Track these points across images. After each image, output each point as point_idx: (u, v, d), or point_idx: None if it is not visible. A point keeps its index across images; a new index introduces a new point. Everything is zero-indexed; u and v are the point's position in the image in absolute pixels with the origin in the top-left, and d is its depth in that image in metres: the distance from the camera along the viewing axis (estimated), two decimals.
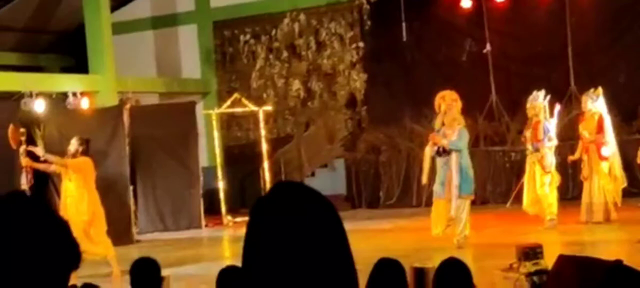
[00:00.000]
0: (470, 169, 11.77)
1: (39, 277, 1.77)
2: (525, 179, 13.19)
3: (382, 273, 4.51)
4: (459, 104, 11.97)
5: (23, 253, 1.76)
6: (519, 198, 13.76)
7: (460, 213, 11.55)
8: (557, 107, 13.17)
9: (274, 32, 18.80)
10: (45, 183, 15.39)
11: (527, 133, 12.98)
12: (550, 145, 12.66)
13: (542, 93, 12.97)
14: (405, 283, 4.69)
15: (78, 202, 11.28)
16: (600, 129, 12.78)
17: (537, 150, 12.73)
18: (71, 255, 1.83)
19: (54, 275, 1.80)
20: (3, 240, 1.77)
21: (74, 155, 11.36)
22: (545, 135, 12.65)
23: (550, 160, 12.70)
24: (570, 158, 13.32)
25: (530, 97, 13.02)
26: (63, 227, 1.86)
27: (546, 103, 12.92)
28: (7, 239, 1.77)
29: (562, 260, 6.49)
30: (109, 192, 15.04)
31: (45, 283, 1.78)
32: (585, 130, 12.92)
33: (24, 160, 11.79)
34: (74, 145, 11.40)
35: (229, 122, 20.26)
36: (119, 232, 14.86)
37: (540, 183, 12.75)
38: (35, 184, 15.33)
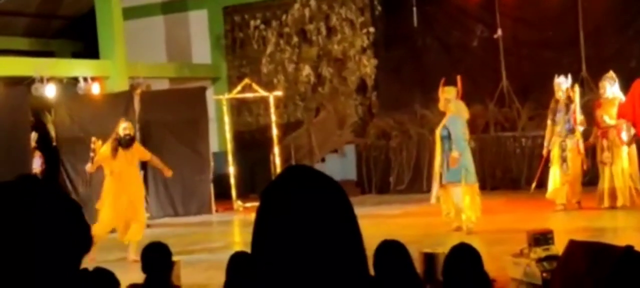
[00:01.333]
0: (462, 157, 11.56)
1: (50, 260, 1.78)
2: (553, 164, 13.11)
3: (386, 256, 4.51)
4: (450, 97, 11.82)
5: (34, 235, 1.77)
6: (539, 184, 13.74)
7: (460, 200, 11.53)
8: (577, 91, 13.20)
9: (284, 17, 18.76)
10: (57, 167, 15.47)
11: (558, 117, 12.97)
12: (582, 128, 12.97)
13: (568, 77, 13.13)
14: (410, 264, 4.69)
15: (137, 183, 11.74)
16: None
17: (572, 132, 12.81)
18: (83, 238, 1.84)
19: (65, 258, 1.80)
20: (14, 222, 1.77)
21: (132, 139, 11.64)
22: (574, 121, 12.92)
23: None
24: (586, 143, 13.17)
25: (559, 80, 13.06)
26: (75, 210, 1.87)
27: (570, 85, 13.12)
28: (18, 222, 1.77)
29: (573, 245, 6.47)
30: None
31: (57, 266, 1.79)
32: (605, 115, 12.82)
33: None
34: (131, 129, 11.72)
35: (239, 108, 20.25)
36: None
37: (574, 165, 12.86)
38: (48, 168, 15.45)
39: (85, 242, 1.83)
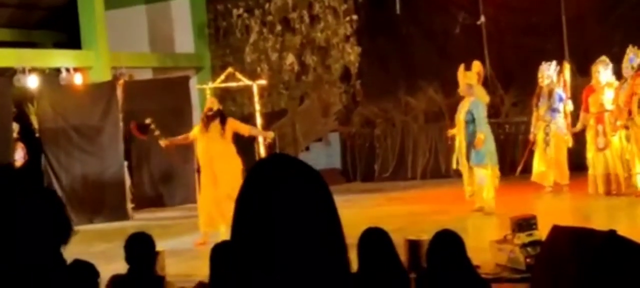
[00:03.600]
0: (486, 140, 11.74)
1: (27, 249, 1.76)
2: (538, 148, 13.29)
3: (370, 243, 4.51)
4: (472, 82, 11.95)
5: (11, 226, 1.75)
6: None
7: (484, 182, 11.72)
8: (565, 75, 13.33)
9: (267, 5, 18.71)
10: (39, 158, 15.39)
11: (541, 102, 13.15)
12: (571, 108, 13.24)
13: (553, 63, 13.35)
14: (394, 251, 4.69)
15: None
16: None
17: (556, 113, 13.14)
18: (60, 229, 1.83)
19: (42, 247, 1.79)
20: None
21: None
22: (561, 102, 13.18)
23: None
24: (573, 130, 13.24)
25: (543, 67, 13.30)
26: (54, 201, 1.85)
27: (555, 72, 13.30)
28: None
29: (556, 230, 6.50)
30: (104, 168, 15.06)
31: (34, 255, 1.77)
32: (602, 99, 12.72)
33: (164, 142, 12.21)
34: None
35: (223, 97, 20.15)
36: (114, 208, 14.91)
37: (557, 149, 13.07)
38: (30, 159, 15.37)
39: (63, 232, 1.82)
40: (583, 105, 12.98)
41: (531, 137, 13.54)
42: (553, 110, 13.18)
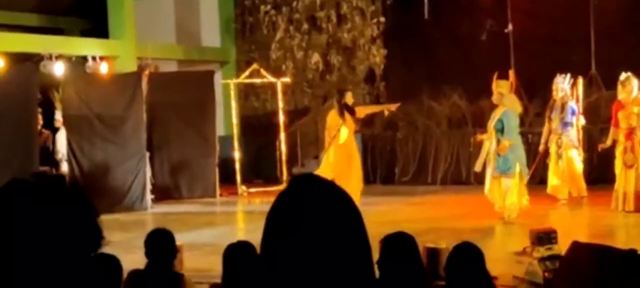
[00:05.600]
0: (516, 149, 11.78)
1: (58, 255, 1.78)
2: (551, 161, 13.25)
3: (395, 248, 4.47)
4: (504, 91, 11.98)
5: (45, 234, 1.77)
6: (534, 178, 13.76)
7: (508, 191, 11.72)
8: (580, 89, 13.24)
9: (295, 3, 18.74)
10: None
11: (554, 115, 13.09)
12: (583, 123, 13.17)
13: (568, 76, 13.20)
14: (419, 258, 4.65)
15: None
16: None
17: (568, 126, 13.04)
18: (91, 238, 1.84)
19: (73, 255, 1.81)
20: (25, 222, 1.78)
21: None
22: (573, 115, 13.04)
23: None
24: (602, 146, 13.06)
25: (557, 80, 13.18)
26: (89, 211, 1.87)
27: (569, 85, 13.18)
28: (30, 221, 1.78)
29: (576, 246, 6.47)
30: (126, 157, 15.13)
31: (64, 262, 1.79)
32: (634, 115, 12.53)
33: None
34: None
35: (246, 92, 20.25)
36: (134, 199, 14.98)
37: (570, 162, 13.00)
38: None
39: (93, 241, 1.84)
40: (613, 120, 12.82)
41: (541, 148, 13.49)
42: (565, 123, 13.09)
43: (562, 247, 7.24)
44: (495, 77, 12.17)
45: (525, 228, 8.57)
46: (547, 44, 17.38)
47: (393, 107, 13.50)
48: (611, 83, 13.70)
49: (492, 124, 11.96)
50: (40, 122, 15.31)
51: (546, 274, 7.28)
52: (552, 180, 13.28)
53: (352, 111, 12.82)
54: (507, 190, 11.73)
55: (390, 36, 18.49)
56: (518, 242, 8.90)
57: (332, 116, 13.06)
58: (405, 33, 18.54)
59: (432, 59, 18.19)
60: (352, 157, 13.12)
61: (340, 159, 12.86)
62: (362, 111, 13.55)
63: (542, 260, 7.46)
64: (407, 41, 18.55)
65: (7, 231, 1.78)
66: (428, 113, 17.83)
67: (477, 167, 12.39)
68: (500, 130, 11.75)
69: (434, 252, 7.44)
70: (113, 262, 4.54)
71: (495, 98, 12.02)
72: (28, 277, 1.76)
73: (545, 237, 7.67)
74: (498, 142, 11.73)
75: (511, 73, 12.24)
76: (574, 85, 13.28)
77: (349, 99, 12.90)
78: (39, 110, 15.12)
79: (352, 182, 12.45)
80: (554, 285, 6.74)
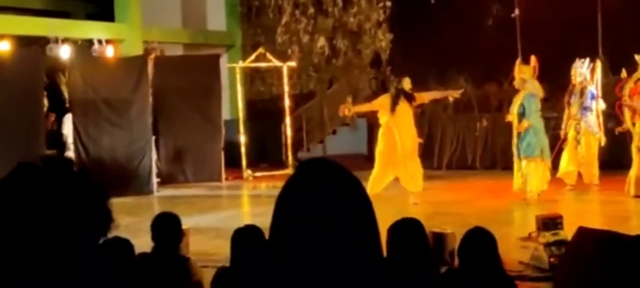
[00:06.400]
0: (538, 133, 11.92)
1: (68, 241, 1.78)
2: (568, 146, 13.21)
3: (403, 234, 4.47)
4: (526, 76, 12.11)
5: (55, 218, 1.77)
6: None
7: (530, 173, 11.86)
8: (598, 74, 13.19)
9: None
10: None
11: (573, 99, 13.05)
12: (603, 107, 13.13)
13: (587, 61, 13.19)
14: (427, 244, 4.66)
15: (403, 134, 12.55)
16: None
17: (588, 111, 13.02)
18: (103, 221, 1.85)
19: (82, 239, 1.81)
20: (38, 205, 1.78)
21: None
22: (593, 100, 13.05)
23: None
24: (619, 129, 12.96)
25: (576, 64, 13.17)
26: (101, 194, 1.87)
27: (588, 70, 13.18)
28: (41, 204, 1.78)
29: (582, 232, 6.46)
30: (131, 141, 15.14)
31: (73, 247, 1.80)
32: None
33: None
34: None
35: (252, 76, 20.23)
36: (140, 182, 14.99)
37: (588, 147, 13.01)
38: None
39: (103, 224, 1.84)
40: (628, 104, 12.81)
41: (562, 133, 13.43)
42: (585, 108, 13.05)
43: (568, 232, 7.23)
44: (518, 62, 12.29)
45: (531, 214, 8.55)
46: (553, 28, 17.33)
47: (456, 93, 13.38)
48: (618, 68, 13.63)
49: (514, 108, 12.04)
50: (46, 104, 15.32)
51: (552, 260, 7.28)
52: (568, 165, 13.19)
53: (410, 97, 12.58)
54: (528, 174, 11.86)
55: (396, 20, 18.44)
56: (523, 228, 8.89)
57: (382, 100, 12.86)
58: (411, 17, 18.49)
59: (438, 43, 18.15)
60: (399, 142, 12.57)
61: (387, 146, 12.64)
62: (426, 97, 13.41)
63: (547, 245, 7.45)
64: (413, 25, 18.51)
65: (17, 216, 1.78)
66: None
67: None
68: (522, 114, 11.93)
69: (439, 237, 7.44)
70: (125, 246, 4.57)
71: (517, 83, 12.18)
72: (39, 260, 1.76)
73: (551, 223, 7.66)
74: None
75: (533, 58, 12.24)
76: (592, 69, 13.23)
77: (406, 84, 12.70)
78: (45, 93, 15.13)
79: (407, 168, 12.51)
80: (559, 270, 6.74)
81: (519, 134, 12.02)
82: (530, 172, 11.87)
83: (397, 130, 12.38)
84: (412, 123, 12.63)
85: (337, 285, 1.71)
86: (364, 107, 13.74)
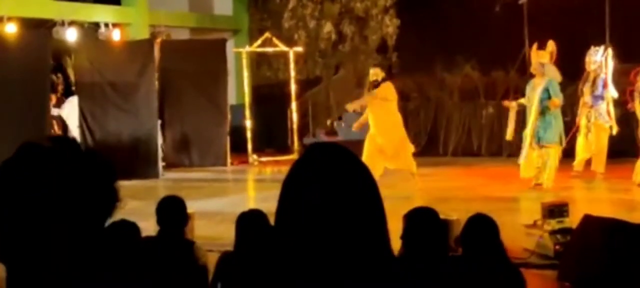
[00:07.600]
0: (557, 118, 11.87)
1: (75, 220, 1.79)
2: (580, 134, 13.14)
3: (421, 223, 4.48)
4: (544, 61, 12.02)
5: (65, 196, 1.78)
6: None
7: (549, 160, 11.83)
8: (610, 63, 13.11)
9: None
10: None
11: (586, 88, 12.97)
12: (615, 95, 12.99)
13: (601, 48, 13.09)
14: (442, 231, 4.68)
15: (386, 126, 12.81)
16: None
17: (600, 99, 12.90)
18: (109, 201, 1.85)
19: (89, 218, 1.81)
20: (45, 183, 1.78)
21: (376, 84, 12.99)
22: (604, 89, 12.94)
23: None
24: (630, 106, 12.92)
25: (590, 52, 13.06)
26: (108, 174, 1.87)
27: (603, 58, 13.07)
28: (47, 183, 1.78)
29: (587, 219, 6.46)
30: (137, 125, 15.15)
31: (80, 225, 1.80)
32: None
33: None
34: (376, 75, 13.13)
35: (258, 61, 20.21)
36: (146, 166, 15.00)
37: (598, 136, 12.92)
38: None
39: (110, 203, 1.84)
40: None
41: (577, 120, 13.36)
42: (596, 96, 12.91)
43: (573, 220, 7.22)
44: (535, 47, 12.18)
45: (536, 201, 8.54)
46: (561, 15, 17.24)
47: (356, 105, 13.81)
48: (625, 56, 13.59)
49: (534, 94, 11.89)
50: (61, 87, 15.33)
51: (557, 247, 7.26)
52: (583, 154, 13.17)
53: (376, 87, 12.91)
54: (547, 160, 11.81)
55: (403, 6, 18.38)
56: (528, 215, 8.88)
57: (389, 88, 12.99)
58: (418, 3, 18.42)
59: (445, 29, 18.08)
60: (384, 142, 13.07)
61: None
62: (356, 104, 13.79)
63: (553, 233, 7.43)
64: (420, 11, 18.44)
65: (24, 194, 1.78)
66: (440, 84, 17.76)
67: (509, 136, 12.43)
68: (547, 99, 11.80)
69: (444, 223, 7.42)
70: (132, 228, 4.58)
71: (534, 68, 12.07)
72: (48, 239, 1.77)
73: (556, 210, 7.64)
74: (542, 112, 11.73)
75: (551, 43, 12.15)
76: (606, 57, 13.10)
77: (372, 75, 13.11)
78: (60, 76, 15.13)
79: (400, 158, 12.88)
80: (565, 257, 6.73)
81: (536, 119, 11.84)
82: (550, 158, 11.80)
83: (377, 129, 12.83)
84: (390, 116, 12.92)
85: (342, 271, 1.72)
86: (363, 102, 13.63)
